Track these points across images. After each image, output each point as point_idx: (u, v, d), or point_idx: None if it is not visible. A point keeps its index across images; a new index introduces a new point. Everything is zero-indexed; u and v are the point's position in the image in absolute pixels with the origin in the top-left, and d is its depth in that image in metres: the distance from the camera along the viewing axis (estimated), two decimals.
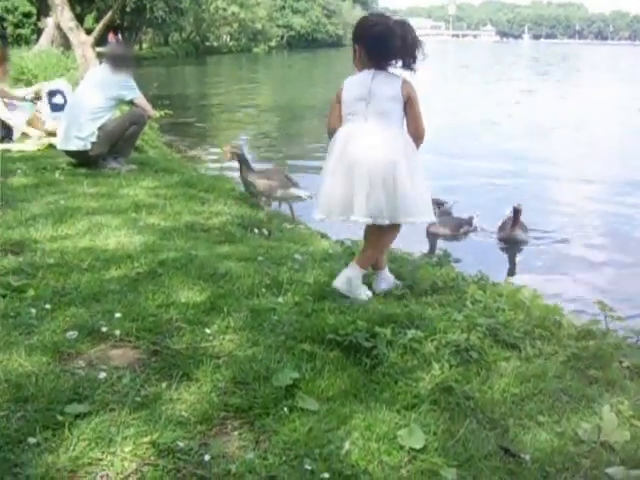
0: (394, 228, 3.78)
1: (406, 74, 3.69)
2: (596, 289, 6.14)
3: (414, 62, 3.66)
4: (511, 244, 7.20)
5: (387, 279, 4.02)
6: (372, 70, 3.68)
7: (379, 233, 3.80)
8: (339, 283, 3.73)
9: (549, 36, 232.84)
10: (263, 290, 3.76)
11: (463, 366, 3.00)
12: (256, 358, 2.90)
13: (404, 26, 3.66)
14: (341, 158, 3.69)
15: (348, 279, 3.73)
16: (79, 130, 6.79)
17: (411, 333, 3.18)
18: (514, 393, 2.85)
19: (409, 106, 3.65)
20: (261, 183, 6.18)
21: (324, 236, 5.95)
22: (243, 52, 77.00)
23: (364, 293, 3.80)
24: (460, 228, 7.47)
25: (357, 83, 3.73)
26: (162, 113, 11.95)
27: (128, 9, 48.49)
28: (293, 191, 6.36)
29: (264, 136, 16.36)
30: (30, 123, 9.05)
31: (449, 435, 2.50)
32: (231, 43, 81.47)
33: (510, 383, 2.91)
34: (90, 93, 7.00)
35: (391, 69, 3.70)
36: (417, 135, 3.72)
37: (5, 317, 3.21)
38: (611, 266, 6.89)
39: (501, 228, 7.37)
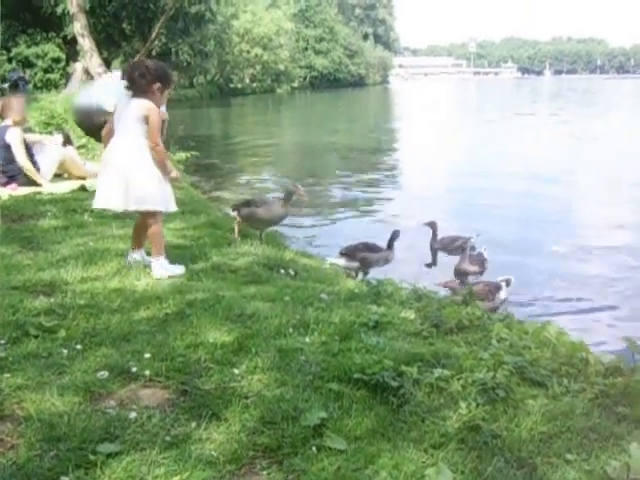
0: (149, 216, 4.84)
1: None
2: (620, 324, 6.10)
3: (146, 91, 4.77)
4: (461, 276, 7.21)
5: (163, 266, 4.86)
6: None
7: (143, 220, 4.91)
8: (158, 275, 4.75)
9: (570, 71, 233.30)
10: (290, 330, 3.79)
11: (490, 404, 3.00)
12: (284, 398, 2.92)
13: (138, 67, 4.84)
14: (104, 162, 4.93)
15: (158, 269, 4.79)
16: None
17: (437, 372, 3.19)
18: (542, 431, 2.85)
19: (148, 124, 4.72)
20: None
21: (349, 276, 5.99)
22: (266, 93, 77.98)
23: (177, 269, 4.88)
24: (486, 263, 7.46)
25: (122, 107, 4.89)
26: (189, 155, 12.15)
27: (154, 53, 49.37)
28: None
29: (287, 176, 16.52)
30: (64, 166, 9.19)
31: (477, 474, 2.50)
32: (254, 84, 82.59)
33: (537, 421, 2.91)
34: None
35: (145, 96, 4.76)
36: (152, 146, 4.73)
37: (37, 357, 3.27)
38: (636, 300, 6.84)
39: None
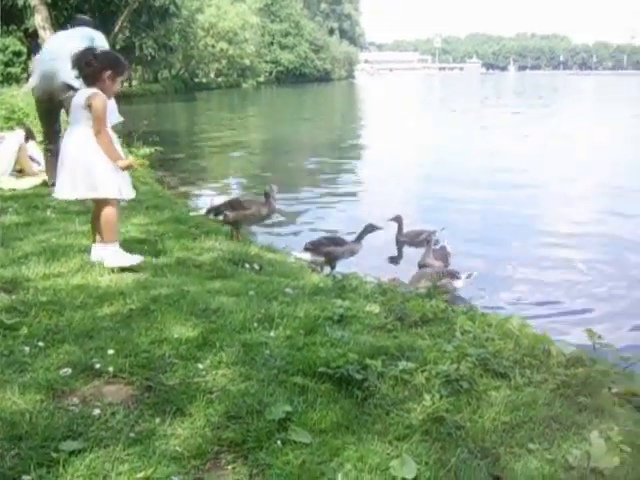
0: (103, 204, 4.81)
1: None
2: (583, 315, 6.20)
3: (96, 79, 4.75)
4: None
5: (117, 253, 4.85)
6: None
7: (97, 209, 4.88)
8: (111, 264, 4.75)
9: (534, 67, 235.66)
10: (255, 324, 3.79)
11: (454, 396, 3.03)
12: (249, 392, 2.92)
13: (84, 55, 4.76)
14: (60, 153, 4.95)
15: (110, 257, 4.79)
16: None
17: (402, 365, 3.22)
18: (505, 422, 2.88)
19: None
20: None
21: (314, 270, 5.99)
22: (232, 88, 77.59)
23: (134, 259, 4.84)
24: (449, 258, 7.51)
25: None
26: (153, 150, 12.05)
27: (117, 47, 48.84)
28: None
29: (254, 170, 16.48)
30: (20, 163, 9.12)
31: (441, 465, 2.53)
32: (220, 79, 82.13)
33: (500, 412, 2.94)
34: None
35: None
36: (95, 133, 4.70)
37: None
38: (597, 292, 6.95)
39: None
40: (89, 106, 4.68)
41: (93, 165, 4.73)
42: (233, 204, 6.77)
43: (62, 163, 4.87)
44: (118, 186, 4.80)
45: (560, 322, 6.04)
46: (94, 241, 5.04)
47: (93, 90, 4.73)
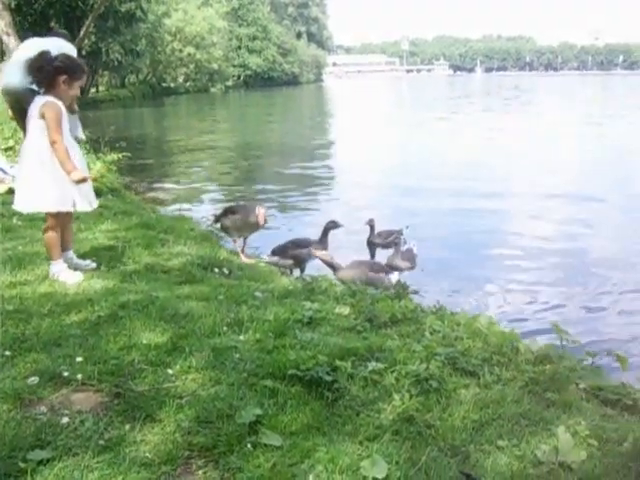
0: (48, 217, 4.72)
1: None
2: (550, 313, 6.28)
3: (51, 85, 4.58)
4: (393, 270, 7.37)
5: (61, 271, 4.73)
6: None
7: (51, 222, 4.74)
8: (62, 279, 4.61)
9: (500, 68, 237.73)
10: (224, 329, 3.79)
11: (423, 395, 3.06)
12: (219, 396, 2.92)
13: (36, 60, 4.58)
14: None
15: (52, 273, 4.67)
16: None
17: (371, 365, 3.23)
18: (474, 419, 2.91)
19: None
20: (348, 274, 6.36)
21: (284, 273, 6.00)
22: (200, 92, 77.26)
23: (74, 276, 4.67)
24: (416, 259, 7.55)
25: None
26: (120, 156, 11.96)
27: (84, 52, 48.43)
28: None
29: (223, 174, 16.45)
30: None
31: (411, 464, 2.54)
32: (188, 84, 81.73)
33: (470, 410, 2.97)
34: None
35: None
36: (50, 143, 4.51)
37: None
38: (563, 291, 7.04)
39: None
40: (42, 116, 4.53)
41: (36, 178, 4.59)
42: (228, 211, 6.82)
43: (18, 175, 4.84)
44: (63, 199, 4.64)
45: (528, 320, 6.11)
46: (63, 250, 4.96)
47: (46, 99, 4.58)
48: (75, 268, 4.87)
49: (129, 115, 42.27)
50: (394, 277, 6.68)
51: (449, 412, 2.96)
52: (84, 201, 4.76)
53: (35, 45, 7.64)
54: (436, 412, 2.95)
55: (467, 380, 3.29)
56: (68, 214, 4.85)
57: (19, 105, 7.59)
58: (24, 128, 7.88)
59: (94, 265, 5.01)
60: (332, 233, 7.18)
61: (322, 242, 7.02)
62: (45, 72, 4.55)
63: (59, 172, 4.53)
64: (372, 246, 7.71)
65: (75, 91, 4.69)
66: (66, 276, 4.67)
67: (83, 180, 4.56)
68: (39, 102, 4.59)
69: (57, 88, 4.60)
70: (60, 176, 4.54)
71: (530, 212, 10.98)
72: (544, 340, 4.27)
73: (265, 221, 6.76)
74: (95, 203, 4.97)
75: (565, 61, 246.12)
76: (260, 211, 6.66)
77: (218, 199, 12.85)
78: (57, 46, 7.41)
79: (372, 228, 7.81)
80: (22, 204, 4.71)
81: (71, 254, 5.02)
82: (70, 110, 4.87)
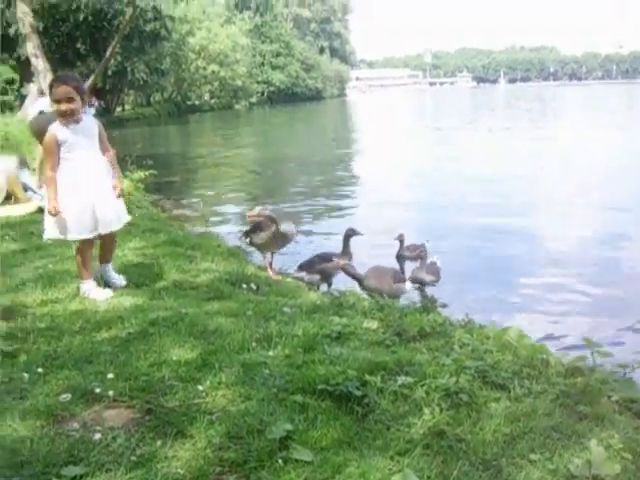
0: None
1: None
2: (580, 325, 6.22)
3: None
4: (419, 285, 7.35)
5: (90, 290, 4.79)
6: None
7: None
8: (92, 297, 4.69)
9: (524, 79, 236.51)
10: (253, 344, 3.80)
11: (454, 409, 3.04)
12: (249, 412, 2.92)
13: None
14: None
15: (83, 292, 4.75)
16: None
17: (401, 379, 3.23)
18: (505, 433, 2.89)
19: None
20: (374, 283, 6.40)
21: (311, 288, 6.01)
22: (225, 109, 77.79)
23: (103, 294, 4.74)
24: (440, 272, 7.54)
25: None
26: (147, 173, 12.08)
27: (110, 72, 49.08)
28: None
29: (248, 190, 16.52)
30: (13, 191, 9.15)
31: (443, 478, 2.53)
32: (212, 101, 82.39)
33: (501, 423, 2.95)
34: None
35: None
36: None
37: None
38: (593, 300, 6.97)
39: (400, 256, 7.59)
40: None
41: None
42: (256, 227, 6.86)
43: None
44: (53, 227, 4.69)
45: (557, 332, 6.05)
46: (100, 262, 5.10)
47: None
48: (106, 281, 4.96)
49: (155, 133, 42.69)
50: (408, 285, 6.70)
51: (480, 426, 2.94)
52: (75, 230, 4.72)
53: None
54: (467, 426, 2.93)
55: (497, 393, 3.27)
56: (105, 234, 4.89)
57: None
58: None
59: (124, 282, 5.06)
60: (356, 247, 7.18)
61: (345, 252, 7.03)
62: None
63: (70, 199, 4.61)
64: (402, 260, 7.70)
65: (57, 108, 4.59)
66: (96, 294, 4.73)
67: (51, 213, 4.58)
68: None
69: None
70: (73, 203, 4.62)
71: (558, 224, 10.89)
72: (574, 352, 4.23)
73: (294, 236, 6.78)
74: (117, 222, 4.93)
75: (589, 70, 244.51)
76: (289, 227, 6.68)
77: (244, 215, 12.91)
78: None
79: (402, 243, 7.81)
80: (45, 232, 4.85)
81: (108, 267, 5.10)
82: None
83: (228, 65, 79.62)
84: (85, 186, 4.67)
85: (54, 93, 4.55)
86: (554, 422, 3.01)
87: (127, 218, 5.08)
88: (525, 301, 7.07)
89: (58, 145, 4.57)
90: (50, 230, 4.74)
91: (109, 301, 4.61)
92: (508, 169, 17.45)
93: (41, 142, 7.98)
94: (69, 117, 4.58)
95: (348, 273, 6.50)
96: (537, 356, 3.76)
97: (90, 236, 4.79)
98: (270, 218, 6.70)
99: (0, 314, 4.28)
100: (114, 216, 4.87)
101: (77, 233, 4.72)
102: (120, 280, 5.07)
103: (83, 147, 4.66)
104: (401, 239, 7.89)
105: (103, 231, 4.81)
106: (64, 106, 4.55)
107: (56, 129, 4.60)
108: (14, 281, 5.09)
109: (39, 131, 7.75)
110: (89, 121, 4.77)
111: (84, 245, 4.81)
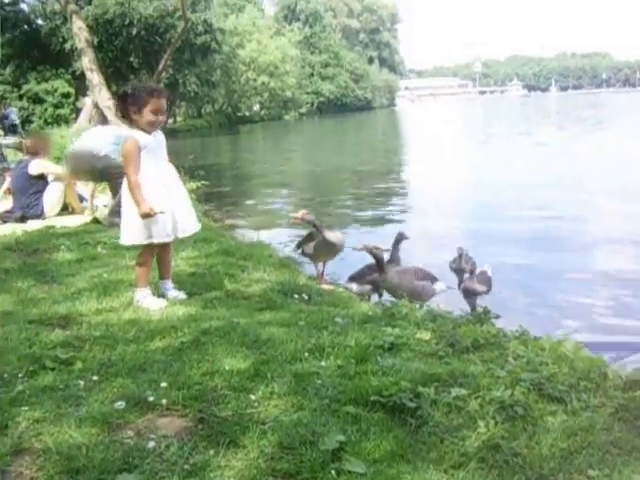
0: (142, 248, 4.89)
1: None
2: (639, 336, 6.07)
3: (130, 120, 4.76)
4: (469, 295, 7.21)
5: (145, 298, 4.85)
6: None
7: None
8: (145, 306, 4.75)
9: (576, 87, 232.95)
10: (306, 354, 3.79)
11: (509, 422, 2.98)
12: (302, 422, 2.92)
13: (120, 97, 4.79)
14: None
15: (136, 300, 4.81)
16: None
17: (455, 391, 3.18)
18: (562, 448, 2.82)
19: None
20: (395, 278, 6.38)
21: (363, 299, 5.98)
22: (274, 120, 78.45)
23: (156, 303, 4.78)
24: (491, 282, 7.43)
25: None
26: (199, 184, 12.23)
27: (162, 84, 49.92)
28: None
29: (299, 199, 16.59)
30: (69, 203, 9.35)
31: None
32: (262, 112, 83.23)
33: (558, 438, 2.88)
34: None
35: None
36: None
37: (54, 390, 3.29)
38: None
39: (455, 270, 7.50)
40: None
41: (124, 213, 4.83)
42: (308, 237, 6.87)
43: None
44: (140, 232, 4.75)
45: (615, 344, 5.92)
46: (160, 277, 5.17)
47: (127, 135, 4.78)
48: (166, 296, 5.02)
49: (206, 144, 43.21)
50: (439, 286, 6.59)
51: (536, 440, 2.88)
52: (162, 233, 4.81)
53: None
54: (523, 440, 2.87)
55: (554, 407, 3.20)
56: (163, 244, 4.95)
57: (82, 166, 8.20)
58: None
59: (184, 297, 5.08)
60: (406, 256, 7.14)
61: (394, 258, 6.98)
62: (122, 108, 4.72)
63: (153, 202, 4.65)
64: (460, 273, 7.62)
65: (150, 117, 4.69)
66: (150, 302, 4.78)
67: (148, 215, 4.62)
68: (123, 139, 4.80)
69: (133, 121, 4.74)
70: (134, 210, 4.68)
71: (613, 234, 10.65)
72: (633, 365, 4.13)
73: (343, 246, 6.75)
74: (189, 231, 5.04)
75: None
76: (338, 236, 6.66)
77: (295, 224, 12.95)
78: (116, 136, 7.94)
79: (461, 256, 7.72)
80: (121, 237, 4.94)
81: (168, 283, 5.15)
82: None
83: (278, 76, 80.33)
84: (165, 190, 4.81)
85: (156, 103, 4.69)
86: (613, 437, 2.93)
87: (199, 225, 5.17)
88: (581, 312, 6.92)
89: (139, 150, 4.68)
90: (131, 235, 4.80)
91: (162, 310, 4.66)
92: (562, 179, 17.11)
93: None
94: (156, 127, 4.78)
95: (375, 256, 6.37)
96: (594, 369, 3.67)
97: (168, 240, 4.92)
98: (314, 224, 6.65)
99: (57, 322, 4.37)
100: (191, 221, 5.01)
101: (160, 236, 4.80)
102: (181, 295, 5.09)
103: (160, 155, 4.84)
104: (460, 252, 7.81)
105: (181, 235, 4.97)
106: (162, 117, 4.78)
107: (137, 135, 4.70)
108: (70, 290, 5.19)
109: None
110: (159, 132, 4.90)
111: (150, 251, 4.91)
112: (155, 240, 4.81)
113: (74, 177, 9.04)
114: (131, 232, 4.79)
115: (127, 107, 4.70)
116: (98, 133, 8.70)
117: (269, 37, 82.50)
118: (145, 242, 4.82)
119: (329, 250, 6.70)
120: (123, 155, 4.67)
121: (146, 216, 4.61)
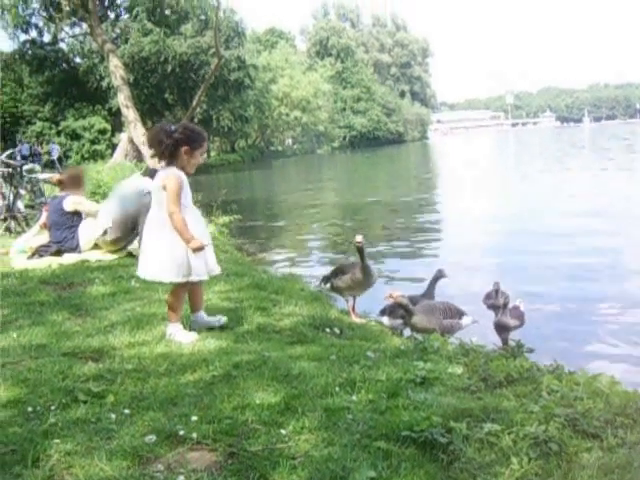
0: (175, 284, 4.91)
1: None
2: None
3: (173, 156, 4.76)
4: (501, 330, 7.11)
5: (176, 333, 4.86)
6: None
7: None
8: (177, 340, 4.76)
9: (609, 117, 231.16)
10: (337, 389, 3.77)
11: (543, 459, 2.93)
12: (332, 458, 2.89)
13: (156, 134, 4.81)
14: None
15: (168, 334, 4.83)
16: None
17: (487, 427, 3.14)
18: None
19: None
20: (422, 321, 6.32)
21: (395, 333, 5.95)
22: (307, 154, 78.97)
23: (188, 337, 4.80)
24: (524, 317, 7.33)
25: None
26: (232, 218, 12.32)
27: (196, 120, 50.64)
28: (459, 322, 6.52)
29: (331, 233, 16.62)
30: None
31: None
32: (295, 146, 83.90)
33: (593, 475, 2.82)
34: None
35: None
36: (169, 214, 4.68)
37: (86, 423, 3.31)
38: None
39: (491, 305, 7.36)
40: (164, 188, 4.70)
41: (152, 249, 4.83)
42: (337, 270, 6.86)
43: (142, 244, 5.13)
44: (177, 269, 4.77)
45: None
46: (193, 311, 5.19)
47: (169, 170, 4.75)
48: (203, 325, 5.08)
49: (239, 179, 43.61)
50: (466, 320, 6.52)
51: (571, 477, 2.82)
52: (202, 270, 4.87)
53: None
54: (557, 477, 2.82)
55: (589, 443, 3.13)
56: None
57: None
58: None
59: (225, 319, 5.17)
60: (439, 291, 7.09)
61: (428, 294, 6.93)
62: (165, 145, 4.69)
63: (178, 243, 4.70)
64: (496, 309, 7.55)
65: (197, 159, 4.84)
66: (182, 336, 4.80)
67: (201, 249, 4.70)
68: (162, 174, 4.77)
69: (179, 159, 4.75)
70: (178, 247, 4.71)
71: None
72: None
73: (375, 280, 6.73)
74: (217, 270, 5.11)
75: None
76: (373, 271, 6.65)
77: (327, 257, 12.98)
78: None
79: (497, 292, 7.65)
80: (142, 272, 4.94)
81: (201, 315, 5.18)
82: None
83: (310, 111, 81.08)
84: (202, 228, 4.97)
85: (205, 147, 4.99)
86: None
87: (220, 268, 5.21)
88: (615, 346, 6.81)
89: (182, 188, 4.75)
90: (175, 272, 4.80)
91: (194, 344, 4.68)
92: (596, 212, 16.93)
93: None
94: (193, 168, 4.89)
95: (401, 305, 6.35)
96: (631, 404, 3.60)
97: (206, 278, 5.02)
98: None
99: (90, 355, 4.41)
100: (215, 261, 5.09)
101: (199, 275, 4.86)
102: (220, 319, 5.17)
103: (189, 193, 4.92)
104: (497, 288, 7.74)
105: (212, 273, 5.05)
106: (202, 159, 4.94)
107: (179, 172, 4.76)
108: (103, 323, 5.24)
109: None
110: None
111: (185, 287, 4.94)
112: (194, 278, 4.85)
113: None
114: (169, 269, 4.80)
115: (177, 142, 4.71)
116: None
117: (301, 72, 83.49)
118: (168, 281, 4.90)
119: (365, 284, 6.69)
120: (169, 189, 4.67)
121: (198, 250, 4.69)
